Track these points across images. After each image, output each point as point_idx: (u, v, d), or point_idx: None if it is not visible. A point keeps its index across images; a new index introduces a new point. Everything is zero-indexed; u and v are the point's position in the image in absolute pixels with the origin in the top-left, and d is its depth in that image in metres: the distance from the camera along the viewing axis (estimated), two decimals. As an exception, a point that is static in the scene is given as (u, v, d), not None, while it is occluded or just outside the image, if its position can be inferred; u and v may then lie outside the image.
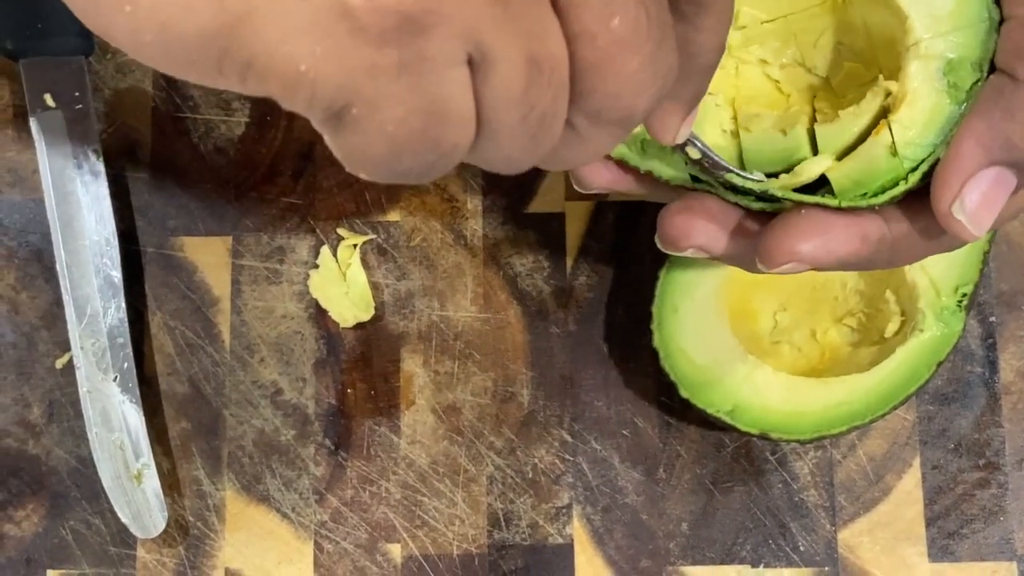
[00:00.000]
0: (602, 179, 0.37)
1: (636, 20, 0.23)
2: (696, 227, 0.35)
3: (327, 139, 0.24)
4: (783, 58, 0.39)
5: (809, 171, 0.35)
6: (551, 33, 0.23)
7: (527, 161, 0.26)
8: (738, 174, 0.35)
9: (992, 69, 0.33)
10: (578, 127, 0.25)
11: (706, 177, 0.35)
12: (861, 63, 0.38)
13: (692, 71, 0.28)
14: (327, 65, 0.22)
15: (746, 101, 0.39)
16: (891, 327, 0.44)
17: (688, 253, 0.35)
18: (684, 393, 0.43)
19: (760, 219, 0.35)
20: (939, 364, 0.43)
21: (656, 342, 0.44)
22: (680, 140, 0.31)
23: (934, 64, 0.33)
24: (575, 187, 0.37)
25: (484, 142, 0.24)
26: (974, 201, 0.30)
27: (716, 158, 0.34)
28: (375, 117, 0.23)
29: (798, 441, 0.43)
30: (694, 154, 0.34)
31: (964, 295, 0.43)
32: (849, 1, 0.38)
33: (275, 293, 0.48)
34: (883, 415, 0.42)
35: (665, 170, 0.36)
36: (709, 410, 0.43)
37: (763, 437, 0.43)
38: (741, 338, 0.43)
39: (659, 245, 0.36)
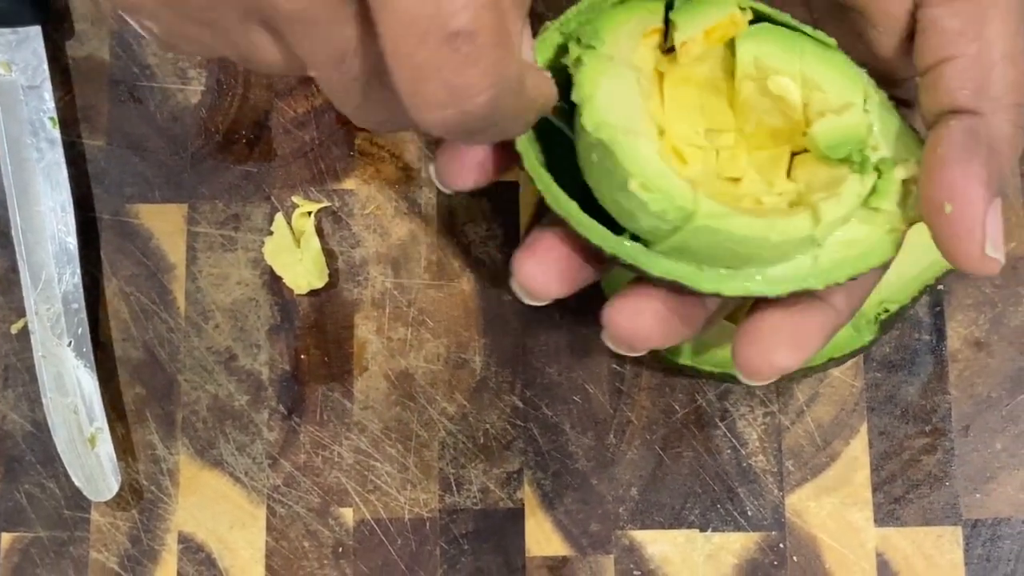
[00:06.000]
0: (466, 179, 0.35)
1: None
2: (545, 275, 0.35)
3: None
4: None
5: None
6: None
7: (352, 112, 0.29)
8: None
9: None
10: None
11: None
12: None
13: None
14: None
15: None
16: None
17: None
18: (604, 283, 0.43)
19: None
20: (832, 360, 0.43)
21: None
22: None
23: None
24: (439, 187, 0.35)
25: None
26: (995, 235, 0.31)
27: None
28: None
29: (672, 363, 0.44)
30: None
31: (886, 311, 0.43)
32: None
33: (230, 260, 0.48)
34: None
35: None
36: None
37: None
38: None
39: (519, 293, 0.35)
